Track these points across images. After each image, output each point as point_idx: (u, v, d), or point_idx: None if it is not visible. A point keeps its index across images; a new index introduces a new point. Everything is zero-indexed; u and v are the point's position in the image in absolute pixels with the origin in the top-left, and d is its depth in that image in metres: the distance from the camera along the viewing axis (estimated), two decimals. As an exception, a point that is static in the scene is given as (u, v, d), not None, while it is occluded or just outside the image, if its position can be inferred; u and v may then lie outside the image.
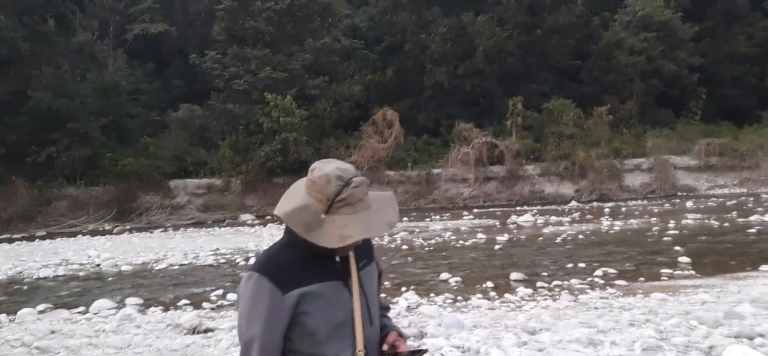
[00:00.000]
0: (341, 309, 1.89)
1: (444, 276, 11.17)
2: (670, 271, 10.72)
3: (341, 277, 1.91)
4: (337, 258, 1.92)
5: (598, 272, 10.81)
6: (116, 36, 41.89)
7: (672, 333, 6.28)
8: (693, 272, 10.67)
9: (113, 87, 35.17)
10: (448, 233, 18.82)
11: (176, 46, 44.53)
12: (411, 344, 2.17)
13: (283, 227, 1.98)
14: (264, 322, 1.80)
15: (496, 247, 15.28)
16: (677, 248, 13.08)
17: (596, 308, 8.06)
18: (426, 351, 2.24)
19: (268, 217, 28.90)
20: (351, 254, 1.95)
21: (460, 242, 16.60)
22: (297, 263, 1.86)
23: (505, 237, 16.98)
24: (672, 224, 17.78)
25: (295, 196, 1.87)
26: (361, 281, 1.96)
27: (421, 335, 6.67)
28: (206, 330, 7.67)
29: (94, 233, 26.13)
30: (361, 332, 1.90)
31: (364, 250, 2.04)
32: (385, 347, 2.01)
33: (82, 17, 39.05)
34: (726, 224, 17.30)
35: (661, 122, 36.95)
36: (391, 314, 7.14)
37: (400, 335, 2.07)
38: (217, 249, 17.19)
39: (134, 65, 41.73)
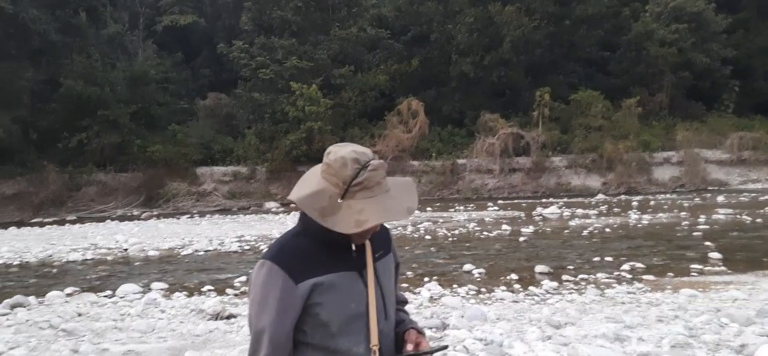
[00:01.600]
0: (355, 301, 1.81)
1: (467, 267, 11.09)
2: (700, 267, 10.50)
3: (356, 268, 1.84)
4: (353, 247, 1.84)
5: (626, 266, 10.63)
6: (146, 27, 42.53)
7: (702, 330, 6.13)
8: (724, 268, 10.42)
9: (142, 76, 35.65)
10: (472, 224, 18.70)
11: (204, 37, 44.97)
12: (433, 345, 2.07)
13: None
14: (275, 312, 1.74)
15: (521, 239, 15.14)
16: (708, 243, 12.82)
17: (623, 303, 7.93)
18: (446, 346, 2.17)
19: (293, 205, 29.01)
20: (367, 243, 1.87)
21: (485, 233, 16.49)
22: (311, 252, 1.79)
23: (530, 229, 16.82)
24: (702, 218, 17.43)
25: (310, 181, 1.81)
26: (377, 272, 1.88)
27: (444, 326, 6.62)
28: (229, 316, 7.72)
29: (122, 218, 26.57)
30: (376, 326, 1.83)
31: (382, 240, 1.96)
32: (409, 347, 1.90)
33: (112, 10, 39.67)
34: (759, 220, 16.89)
35: (692, 115, 36.16)
36: (413, 305, 7.12)
37: (420, 332, 1.98)
38: (242, 236, 17.33)
39: (163, 55, 42.34)
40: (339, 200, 1.73)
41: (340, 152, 1.77)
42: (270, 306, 1.75)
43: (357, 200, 1.72)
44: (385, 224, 2.01)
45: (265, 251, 1.86)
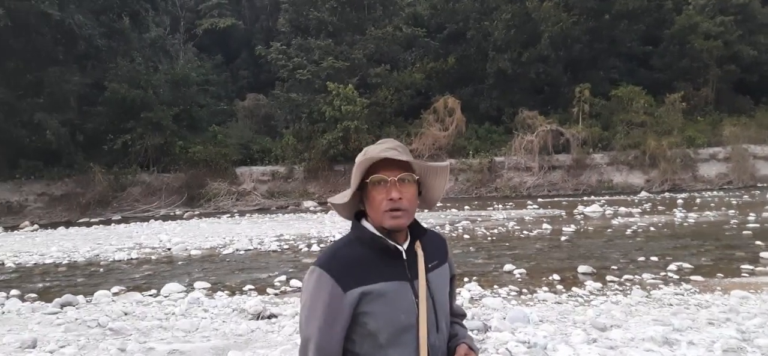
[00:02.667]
0: (405, 312, 1.77)
1: (508, 267, 10.95)
2: (751, 267, 10.16)
3: (408, 277, 1.80)
4: (404, 256, 1.81)
5: (672, 266, 10.36)
6: (186, 30, 43.41)
7: (755, 334, 5.92)
8: (776, 268, 10.09)
9: (184, 78, 36.33)
10: (512, 223, 18.50)
11: (243, 39, 45.69)
12: None
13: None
14: (322, 320, 1.74)
15: (563, 238, 14.90)
16: (758, 242, 12.42)
17: (671, 304, 7.72)
18: None
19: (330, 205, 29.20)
20: (419, 252, 1.85)
21: (525, 232, 16.29)
22: (361, 260, 1.78)
23: (571, 228, 16.55)
24: (752, 216, 16.91)
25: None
26: (430, 283, 1.84)
27: (486, 328, 6.54)
28: (270, 316, 7.78)
29: (165, 218, 27.09)
30: (426, 339, 1.78)
31: (436, 249, 1.94)
32: None
33: (154, 14, 40.54)
34: (811, 218, 16.32)
35: (739, 110, 35.12)
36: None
37: (471, 348, 1.93)
38: (281, 235, 17.48)
39: (203, 58, 43.15)
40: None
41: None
42: (318, 313, 1.75)
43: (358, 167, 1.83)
44: (441, 235, 2.03)
45: (316, 257, 1.85)
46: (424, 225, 1.94)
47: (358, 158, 1.82)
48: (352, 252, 1.80)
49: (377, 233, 1.81)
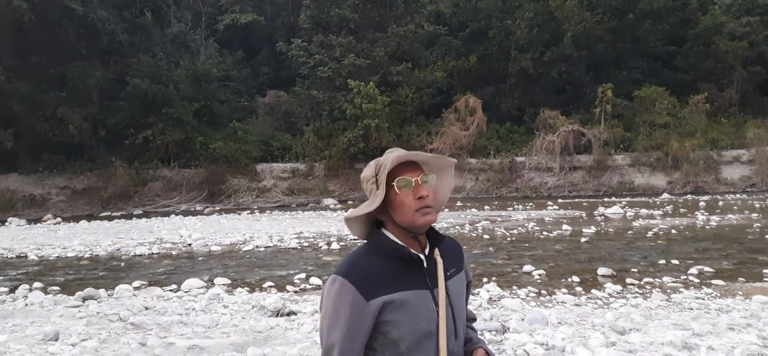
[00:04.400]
0: (426, 320, 1.81)
1: (527, 268, 10.90)
2: (773, 272, 10.01)
3: (428, 286, 1.84)
4: (425, 264, 1.85)
5: (693, 270, 10.24)
6: (208, 26, 43.76)
7: (776, 340, 5.84)
8: (800, 274, 9.91)
9: (205, 74, 36.61)
10: (532, 224, 18.40)
11: (264, 35, 45.92)
12: None
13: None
14: (345, 329, 1.76)
15: (583, 240, 14.79)
16: (782, 247, 12.23)
17: (691, 309, 7.62)
18: None
19: (350, 202, 29.28)
20: (439, 261, 1.88)
21: (544, 233, 16.20)
22: (382, 270, 1.80)
23: (592, 229, 16.42)
24: (776, 220, 16.65)
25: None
26: (449, 291, 1.88)
27: (504, 329, 6.52)
28: (290, 313, 7.82)
29: (186, 213, 27.36)
30: (445, 346, 1.82)
31: (454, 258, 1.97)
32: None
33: (176, 9, 40.92)
34: (838, 223, 16.02)
35: (764, 112, 34.53)
36: (472, 306, 7.04)
37: (488, 353, 1.98)
38: (301, 233, 17.56)
39: (224, 53, 43.43)
40: (377, 191, 1.85)
41: (364, 171, 1.93)
42: (341, 322, 1.77)
43: (383, 173, 1.85)
44: (458, 243, 2.07)
45: (337, 266, 1.87)
46: (441, 229, 1.97)
47: (376, 169, 1.87)
48: (373, 261, 1.82)
49: (398, 242, 1.85)
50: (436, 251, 1.90)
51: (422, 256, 1.86)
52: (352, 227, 1.94)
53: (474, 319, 2.16)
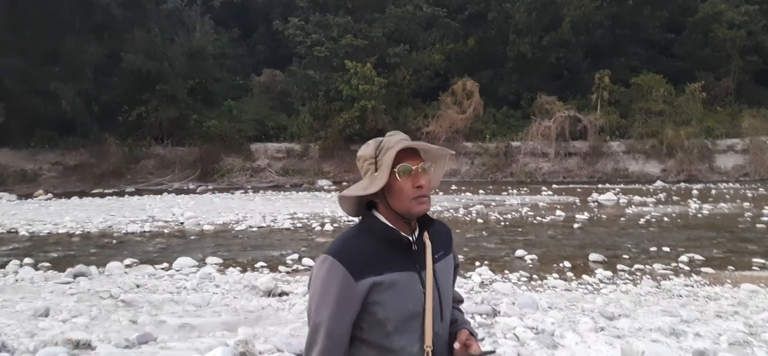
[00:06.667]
0: (412, 301, 1.84)
1: (519, 252, 10.94)
2: (762, 261, 10.06)
3: (416, 268, 1.87)
4: (414, 247, 1.88)
5: (684, 257, 10.31)
6: (204, 2, 43.20)
7: (763, 328, 5.87)
8: (789, 263, 9.98)
9: (200, 51, 36.36)
10: (525, 209, 18.44)
11: (261, 13, 45.45)
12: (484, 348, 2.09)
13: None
14: (333, 308, 1.78)
15: (576, 225, 14.84)
16: (772, 236, 12.30)
17: (680, 296, 7.69)
18: (494, 352, 2.19)
19: (345, 183, 29.27)
20: (427, 243, 1.91)
21: (538, 218, 16.24)
22: (372, 251, 1.83)
23: (585, 216, 16.47)
24: (767, 210, 16.70)
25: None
26: (436, 273, 1.91)
27: (494, 312, 6.54)
28: (281, 294, 7.84)
29: (178, 191, 27.30)
30: (431, 327, 1.85)
31: (443, 241, 2.00)
32: (456, 346, 1.93)
33: (172, -16, 40.49)
34: (828, 214, 16.08)
35: (760, 102, 34.51)
36: (464, 290, 7.07)
37: (472, 333, 2.00)
38: (294, 213, 17.56)
39: (220, 31, 42.98)
40: (375, 174, 1.86)
41: (362, 149, 1.94)
42: (329, 301, 1.79)
43: (386, 156, 1.85)
44: (448, 226, 2.10)
45: (327, 246, 1.89)
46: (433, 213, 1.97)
47: (376, 151, 1.87)
48: (363, 243, 1.85)
49: (389, 225, 1.88)
50: (426, 234, 1.93)
51: (412, 239, 1.89)
52: (344, 205, 1.96)
53: (461, 301, 2.19)
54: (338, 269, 1.79)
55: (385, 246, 1.84)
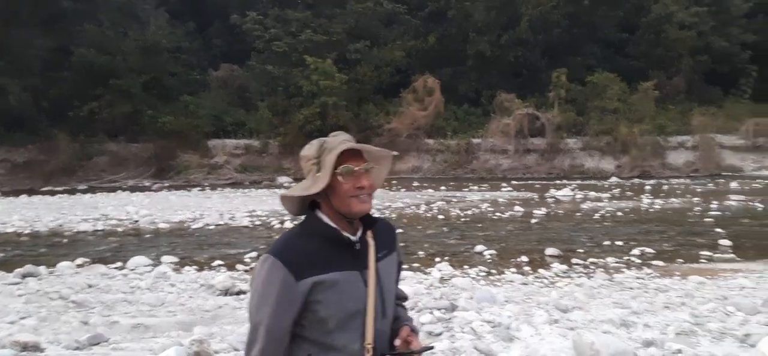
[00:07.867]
0: (354, 300, 1.85)
1: (479, 248, 11.07)
2: (709, 253, 10.42)
3: (358, 267, 1.88)
4: (357, 246, 1.89)
5: (636, 251, 10.58)
6: (159, -5, 42.26)
7: (707, 318, 6.06)
8: (733, 255, 10.33)
9: (154, 45, 35.48)
10: (486, 205, 18.64)
11: (218, 6, 44.61)
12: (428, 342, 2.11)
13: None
14: (274, 307, 1.79)
15: (533, 221, 15.07)
16: (718, 230, 12.73)
17: (631, 288, 7.88)
18: (432, 347, 2.21)
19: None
20: (370, 243, 1.92)
21: (497, 214, 16.44)
22: (314, 250, 1.84)
23: (542, 211, 16.74)
24: (714, 205, 17.28)
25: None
26: (379, 272, 1.92)
27: (453, 308, 6.59)
28: (238, 292, 7.75)
29: (133, 189, 26.74)
30: (372, 325, 1.86)
31: (386, 240, 2.01)
32: (397, 342, 1.95)
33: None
34: (771, 208, 16.71)
35: (709, 100, 35.67)
36: (424, 285, 7.09)
37: (413, 330, 2.02)
38: (253, 211, 17.37)
39: (175, 24, 41.96)
40: (317, 174, 1.86)
41: (305, 149, 1.94)
42: (270, 300, 1.79)
43: (328, 156, 1.84)
44: (391, 224, 2.12)
45: (270, 246, 1.89)
46: (378, 212, 1.97)
47: (318, 151, 1.87)
48: (306, 242, 1.86)
49: (332, 225, 1.89)
50: (369, 233, 1.94)
51: (354, 238, 1.90)
52: (287, 205, 1.96)
53: (405, 298, 2.20)
54: (279, 268, 1.79)
55: (327, 246, 1.85)
